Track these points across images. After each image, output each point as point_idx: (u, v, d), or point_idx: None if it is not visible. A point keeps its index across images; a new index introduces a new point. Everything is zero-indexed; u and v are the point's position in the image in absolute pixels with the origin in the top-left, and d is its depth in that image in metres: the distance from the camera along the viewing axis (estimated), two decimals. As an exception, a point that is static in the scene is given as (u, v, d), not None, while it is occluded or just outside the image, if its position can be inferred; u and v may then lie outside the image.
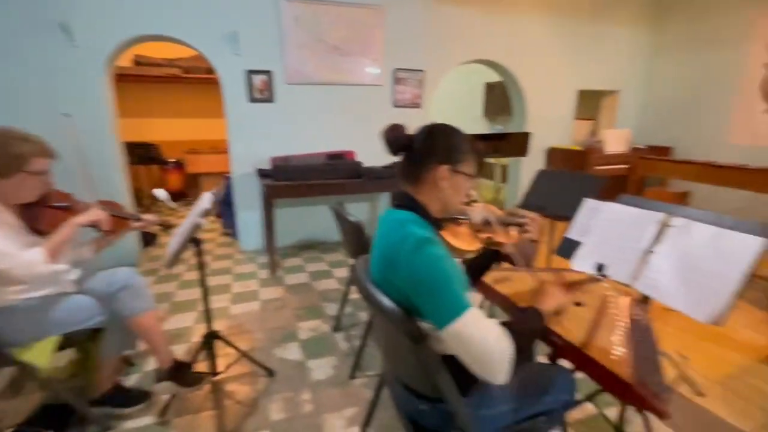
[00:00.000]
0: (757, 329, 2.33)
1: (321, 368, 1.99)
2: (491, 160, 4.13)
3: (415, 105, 4.01)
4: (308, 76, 3.57)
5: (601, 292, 1.31)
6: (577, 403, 1.56)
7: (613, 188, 4.53)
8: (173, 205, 1.69)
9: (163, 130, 5.78)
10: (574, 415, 1.64)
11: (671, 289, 1.20)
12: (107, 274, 1.62)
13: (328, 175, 3.20)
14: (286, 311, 2.58)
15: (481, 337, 0.80)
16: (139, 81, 5.28)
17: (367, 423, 1.41)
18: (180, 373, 1.64)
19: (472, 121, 7.52)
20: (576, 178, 2.25)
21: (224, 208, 4.11)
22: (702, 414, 1.68)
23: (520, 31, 4.35)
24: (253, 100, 3.44)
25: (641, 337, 1.05)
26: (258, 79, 3.41)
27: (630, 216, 1.42)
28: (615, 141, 4.62)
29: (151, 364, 1.99)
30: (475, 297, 1.03)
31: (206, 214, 1.49)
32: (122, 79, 4.90)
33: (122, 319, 1.56)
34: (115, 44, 3.01)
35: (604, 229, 1.48)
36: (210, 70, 3.36)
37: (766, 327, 2.36)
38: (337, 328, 2.34)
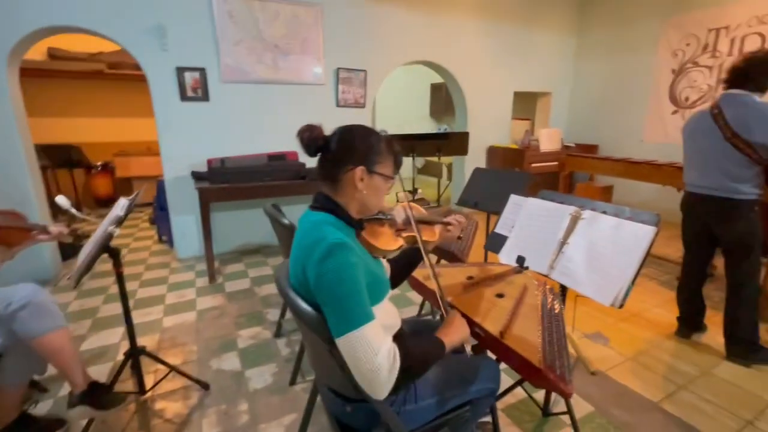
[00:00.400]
0: (666, 308, 2.59)
1: (260, 376, 1.93)
2: (435, 159, 4.22)
3: (359, 105, 4.02)
4: (246, 74, 3.44)
5: (522, 282, 1.38)
6: (510, 389, 1.65)
7: (548, 184, 4.86)
8: (79, 213, 1.54)
9: (87, 130, 5.30)
10: (506, 400, 1.73)
11: (581, 276, 1.29)
12: (5, 291, 1.44)
13: (269, 177, 3.11)
14: (225, 320, 2.47)
15: (370, 354, 0.80)
16: (54, 77, 4.80)
17: (303, 429, 1.38)
18: (96, 395, 1.50)
19: (419, 120, 7.68)
20: (507, 175, 2.36)
21: (159, 214, 3.85)
22: (615, 387, 1.84)
23: (457, 34, 4.50)
24: (186, 98, 3.25)
25: (552, 324, 1.12)
26: (190, 77, 3.23)
27: (547, 210, 1.51)
28: (548, 140, 4.94)
29: (67, 389, 1.81)
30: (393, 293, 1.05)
31: (119, 222, 1.38)
32: (33, 74, 4.44)
33: (25, 341, 1.40)
34: (21, 36, 2.71)
35: (526, 223, 1.57)
36: (139, 66, 3.13)
37: (674, 306, 2.63)
38: (278, 333, 2.28)
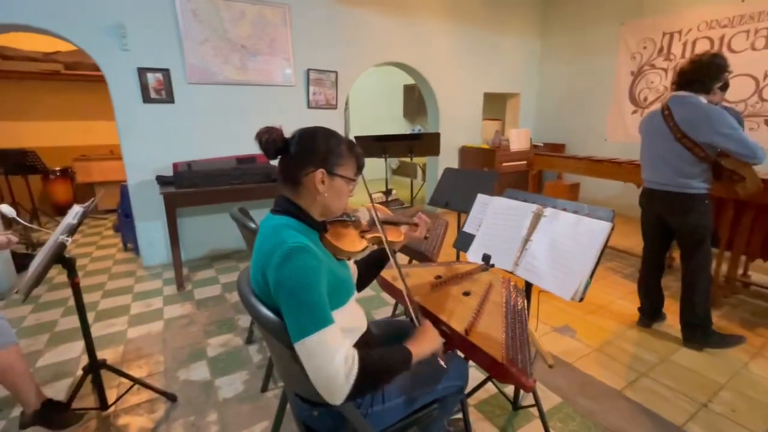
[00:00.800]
0: (629, 299, 2.71)
1: (231, 385, 1.88)
2: (409, 160, 4.25)
3: (331, 106, 3.99)
4: (213, 75, 3.36)
5: (488, 280, 1.41)
6: (480, 385, 1.68)
7: (519, 183, 4.99)
8: (26, 222, 1.46)
9: (43, 134, 5.03)
10: (478, 396, 1.76)
11: (544, 272, 1.33)
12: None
13: (238, 180, 3.04)
14: (194, 328, 2.39)
15: (326, 359, 0.80)
16: (6, 77, 4.52)
17: (274, 436, 1.36)
18: (51, 414, 1.42)
19: (393, 121, 7.72)
20: (476, 175, 2.40)
21: (124, 221, 3.70)
22: (581, 377, 1.90)
23: (428, 36, 4.55)
24: (149, 100, 3.13)
25: (515, 320, 1.14)
26: (153, 78, 3.12)
27: (511, 208, 1.55)
28: (518, 139, 5.07)
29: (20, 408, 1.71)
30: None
31: (72, 231, 1.31)
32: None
33: (-30, 360, 1.31)
34: (-38, 34, 2.54)
35: (492, 222, 1.60)
36: (98, 67, 2.99)
37: (636, 297, 2.75)
38: (249, 340, 2.23)
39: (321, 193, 0.95)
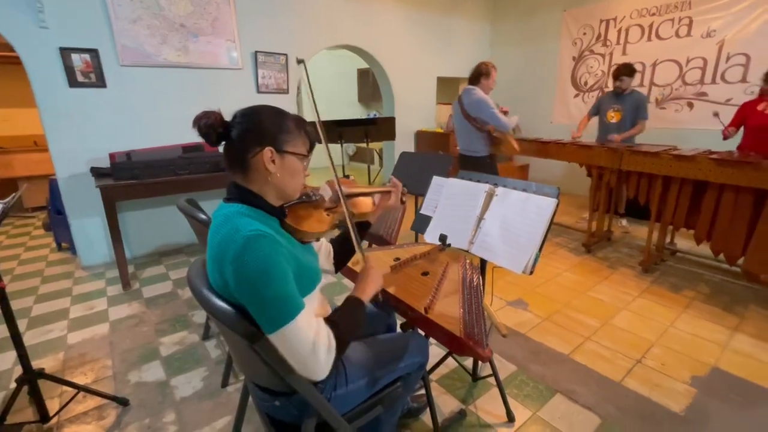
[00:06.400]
0: (575, 272, 2.91)
1: (188, 383, 1.80)
2: (365, 146, 4.21)
3: (282, 90, 3.85)
4: (150, 57, 3.10)
5: (445, 260, 1.45)
6: (441, 361, 1.74)
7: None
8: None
9: (-52, 124, 4.42)
10: (439, 371, 1.82)
11: (497, 249, 1.39)
12: None
13: (185, 170, 2.87)
14: (145, 328, 2.26)
15: (306, 343, 0.81)
16: None
17: (237, 428, 1.33)
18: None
19: (348, 106, 7.60)
20: (431, 158, 2.44)
21: (55, 219, 3.37)
22: (534, 345, 2.03)
23: (380, 20, 4.49)
24: (76, 84, 2.84)
25: (471, 295, 1.19)
26: (79, 59, 2.83)
27: (465, 189, 1.59)
28: (471, 123, 5.19)
29: (-57, 430, 1.53)
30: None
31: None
32: None
33: None
34: None
35: (447, 203, 1.64)
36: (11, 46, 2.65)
37: (581, 269, 2.96)
38: (206, 336, 2.15)
39: (272, 173, 0.91)
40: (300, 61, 1.17)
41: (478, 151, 2.98)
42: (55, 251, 3.52)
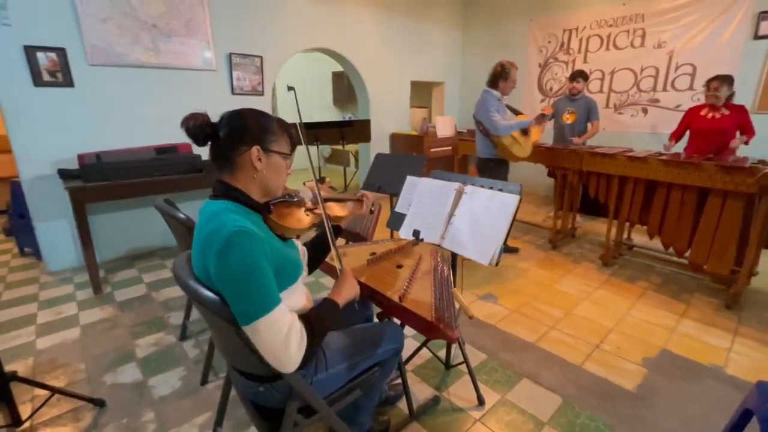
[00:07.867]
0: (543, 266, 3.08)
1: (166, 383, 1.81)
2: (341, 148, 4.28)
3: (257, 92, 3.86)
4: (120, 57, 3.05)
5: (418, 253, 1.54)
6: (416, 352, 1.83)
7: (446, 167, 5.28)
8: None
9: None
10: (414, 362, 1.91)
11: (466, 242, 1.49)
12: None
13: (158, 172, 2.83)
14: (118, 331, 2.23)
15: (278, 337, 0.86)
16: None
17: (218, 422, 1.36)
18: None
19: (323, 109, 7.63)
20: (404, 159, 2.54)
21: (18, 222, 3.24)
22: (502, 335, 2.16)
23: (355, 23, 4.57)
24: (41, 83, 2.76)
25: (441, 284, 1.28)
26: (45, 58, 2.75)
27: (437, 187, 1.70)
28: (444, 126, 5.35)
29: None
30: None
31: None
32: None
33: None
34: None
35: (420, 201, 1.73)
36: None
37: (548, 263, 3.14)
38: (183, 336, 2.14)
39: (259, 171, 0.97)
40: (290, 89, 1.26)
41: (482, 152, 3.14)
42: (18, 256, 3.38)
